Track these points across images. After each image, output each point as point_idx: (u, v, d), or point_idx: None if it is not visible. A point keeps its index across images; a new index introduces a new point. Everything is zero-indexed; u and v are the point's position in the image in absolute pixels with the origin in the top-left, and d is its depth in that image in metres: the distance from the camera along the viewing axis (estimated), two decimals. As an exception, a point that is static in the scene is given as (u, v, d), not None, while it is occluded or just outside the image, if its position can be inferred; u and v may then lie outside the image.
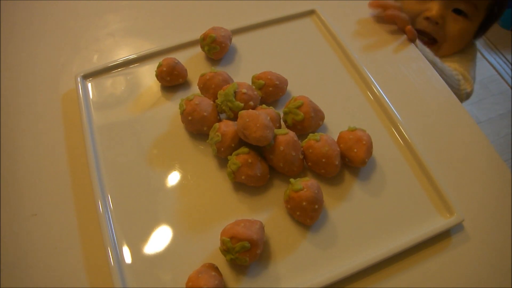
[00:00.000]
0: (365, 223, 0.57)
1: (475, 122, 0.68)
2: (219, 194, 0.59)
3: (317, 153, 0.57)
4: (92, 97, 0.69)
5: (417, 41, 0.82)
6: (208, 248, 0.54)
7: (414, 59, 0.76)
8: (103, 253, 0.53)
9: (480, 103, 1.85)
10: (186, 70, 0.70)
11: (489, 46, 2.04)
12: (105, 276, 0.52)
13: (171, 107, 0.68)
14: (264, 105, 0.63)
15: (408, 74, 0.73)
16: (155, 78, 0.69)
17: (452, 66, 1.00)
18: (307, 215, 0.54)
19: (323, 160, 0.57)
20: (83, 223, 0.58)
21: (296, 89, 0.69)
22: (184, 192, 0.59)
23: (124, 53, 0.76)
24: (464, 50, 1.06)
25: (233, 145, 0.58)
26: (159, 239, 0.55)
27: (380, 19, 0.81)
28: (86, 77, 0.71)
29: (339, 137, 0.60)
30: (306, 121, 0.61)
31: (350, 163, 0.59)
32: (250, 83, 0.67)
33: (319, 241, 0.55)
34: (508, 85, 1.90)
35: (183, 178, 0.60)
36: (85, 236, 0.57)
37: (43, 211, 0.59)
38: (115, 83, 0.71)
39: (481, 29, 1.04)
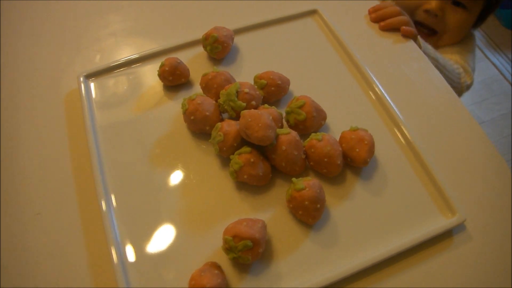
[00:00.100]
0: (367, 222, 0.57)
1: (477, 122, 0.68)
2: (222, 193, 0.59)
3: (319, 152, 0.57)
4: (95, 96, 0.69)
5: (420, 39, 0.82)
6: (211, 247, 0.55)
7: (416, 59, 0.76)
8: (107, 252, 0.53)
9: (482, 103, 1.85)
10: (188, 69, 0.70)
11: (491, 46, 2.03)
12: (109, 275, 0.53)
13: (174, 107, 0.68)
14: (266, 105, 0.63)
15: (410, 74, 0.73)
16: (158, 78, 0.70)
17: (453, 58, 1.01)
18: (309, 215, 0.54)
19: (325, 159, 0.57)
20: (86, 222, 0.58)
21: (298, 88, 0.69)
22: (186, 191, 0.59)
23: (126, 53, 0.76)
24: (463, 41, 1.07)
25: (235, 144, 0.58)
26: (162, 237, 0.56)
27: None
28: (88, 77, 0.71)
29: (341, 137, 0.61)
30: (308, 121, 0.61)
31: (352, 162, 0.60)
32: (252, 83, 0.67)
33: (321, 240, 0.55)
34: (511, 85, 1.90)
35: (186, 177, 0.61)
36: (89, 235, 0.57)
37: (46, 210, 0.59)
38: (118, 82, 0.71)
39: (480, 20, 1.05)
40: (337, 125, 0.65)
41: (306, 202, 0.53)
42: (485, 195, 0.61)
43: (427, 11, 0.99)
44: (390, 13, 0.80)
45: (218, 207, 0.58)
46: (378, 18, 0.81)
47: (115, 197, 0.59)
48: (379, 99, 0.67)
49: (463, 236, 0.57)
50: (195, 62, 0.73)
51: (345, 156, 0.60)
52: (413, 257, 0.55)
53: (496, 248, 0.56)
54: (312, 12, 0.81)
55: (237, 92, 0.62)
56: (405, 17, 0.80)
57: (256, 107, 0.63)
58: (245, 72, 0.72)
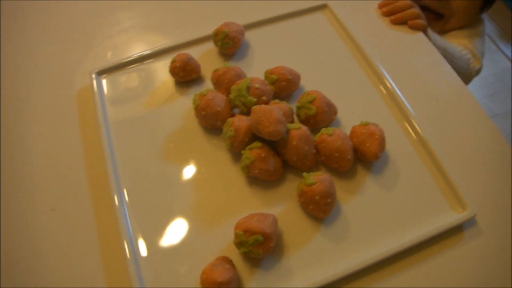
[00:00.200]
0: (377, 217, 0.57)
1: (489, 117, 0.67)
2: (233, 188, 0.60)
3: (330, 147, 0.57)
4: (107, 93, 0.70)
5: (429, 31, 0.81)
6: (222, 241, 0.55)
7: (427, 53, 0.76)
8: (119, 246, 0.54)
9: (495, 96, 1.83)
10: (199, 65, 0.70)
11: (504, 38, 2.01)
12: (122, 269, 0.53)
13: (185, 102, 0.68)
14: (277, 100, 0.63)
15: (421, 68, 0.73)
16: (169, 74, 0.70)
17: (461, 43, 1.01)
18: (320, 209, 0.54)
19: (336, 154, 0.57)
20: (99, 217, 0.59)
21: (308, 83, 0.69)
22: (198, 186, 0.60)
23: (137, 49, 0.77)
24: (472, 25, 1.07)
25: (246, 139, 0.59)
26: (174, 232, 0.56)
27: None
28: (100, 73, 0.72)
29: (351, 132, 0.61)
30: (319, 116, 0.61)
31: (362, 157, 0.60)
32: (263, 78, 0.67)
33: (332, 235, 0.55)
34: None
35: (197, 172, 0.61)
36: (102, 230, 0.58)
37: (60, 206, 0.60)
38: (129, 79, 0.72)
39: (487, 3, 1.04)
40: (348, 119, 0.65)
41: (317, 197, 0.53)
42: (496, 190, 0.60)
43: None
44: (401, 6, 0.80)
45: (230, 201, 0.58)
46: (389, 12, 0.80)
47: (127, 192, 0.59)
48: (390, 93, 0.67)
49: (473, 230, 0.56)
50: (206, 57, 0.74)
51: (356, 151, 0.60)
52: (424, 251, 0.55)
53: (507, 242, 0.56)
54: (322, 7, 0.81)
55: (248, 87, 0.62)
56: (416, 10, 0.80)
57: (267, 102, 0.63)
58: (255, 67, 0.72)
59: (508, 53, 1.96)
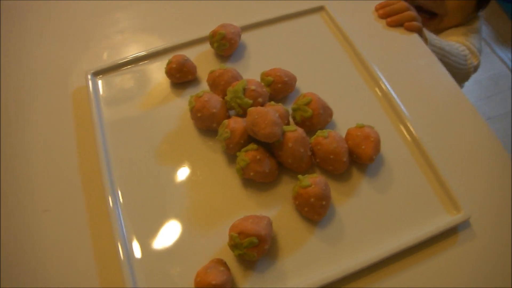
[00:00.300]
0: (372, 219, 0.57)
1: (483, 119, 0.67)
2: (228, 190, 0.60)
3: (325, 149, 0.57)
4: (102, 93, 0.70)
5: (425, 31, 0.82)
6: (217, 244, 0.55)
7: (422, 55, 0.76)
8: (113, 248, 0.54)
9: (490, 99, 1.83)
10: (195, 67, 0.70)
11: (499, 41, 2.02)
12: (115, 271, 0.53)
13: (181, 104, 0.68)
14: (273, 102, 0.63)
15: (417, 70, 0.73)
16: (165, 75, 0.70)
17: (458, 40, 1.01)
18: (315, 211, 0.54)
19: (331, 156, 0.57)
20: (93, 218, 0.59)
21: (304, 85, 0.70)
22: (193, 188, 0.60)
23: (133, 50, 0.77)
24: (468, 22, 1.07)
25: (242, 141, 0.59)
26: (168, 234, 0.56)
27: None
28: (96, 74, 0.72)
29: (347, 134, 0.61)
30: (315, 118, 0.61)
31: (358, 159, 0.60)
32: (259, 80, 0.67)
33: (327, 237, 0.55)
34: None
35: (192, 174, 0.61)
36: (96, 231, 0.57)
37: (54, 207, 0.60)
38: (125, 80, 0.72)
39: (482, 1, 1.05)
40: (343, 122, 0.65)
41: (312, 199, 0.53)
42: (490, 192, 0.61)
43: None
44: (397, 9, 0.80)
45: (224, 204, 0.58)
46: (386, 14, 0.81)
47: (121, 193, 0.59)
48: (385, 96, 0.67)
49: (468, 233, 0.57)
50: (202, 59, 0.74)
51: (351, 153, 0.60)
52: (418, 253, 0.55)
53: (500, 245, 0.56)
54: (319, 9, 0.81)
55: (244, 89, 0.62)
56: (413, 12, 0.80)
57: (262, 104, 0.63)
58: (252, 69, 0.72)
59: (503, 56, 1.97)
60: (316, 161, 0.60)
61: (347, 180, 0.60)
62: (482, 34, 1.09)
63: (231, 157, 0.62)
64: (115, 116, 0.67)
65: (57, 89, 0.73)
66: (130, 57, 0.73)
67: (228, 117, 0.63)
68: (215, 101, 0.62)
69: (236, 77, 0.66)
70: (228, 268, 0.52)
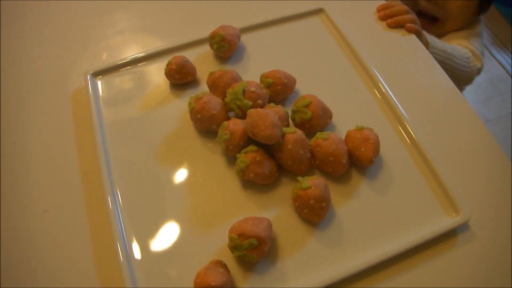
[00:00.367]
0: (371, 221, 0.57)
1: (482, 121, 0.68)
2: (228, 191, 0.60)
3: (324, 151, 0.57)
4: (102, 94, 0.70)
5: (426, 34, 0.82)
6: (216, 245, 0.55)
7: (422, 58, 0.76)
8: (113, 249, 0.54)
9: (488, 101, 1.84)
10: (195, 68, 0.70)
11: (497, 45, 2.02)
12: (114, 272, 0.53)
13: (180, 105, 0.68)
14: (272, 104, 0.63)
15: (416, 73, 0.73)
16: (165, 76, 0.70)
17: (461, 43, 1.01)
18: (314, 213, 0.54)
19: (331, 158, 0.57)
20: (93, 219, 0.58)
21: (304, 87, 0.70)
22: (193, 189, 0.60)
23: (133, 51, 0.77)
24: (470, 26, 1.08)
25: (241, 143, 0.59)
26: (168, 235, 0.56)
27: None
28: (95, 74, 0.72)
29: (346, 136, 0.61)
30: (314, 120, 0.61)
31: (357, 162, 0.60)
32: (259, 82, 0.67)
33: (326, 239, 0.55)
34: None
35: (192, 175, 0.61)
36: (95, 232, 0.57)
37: (53, 208, 0.60)
38: (125, 80, 0.72)
39: (483, 5, 1.06)
40: (343, 124, 0.66)
41: (312, 201, 0.53)
42: (489, 194, 0.61)
43: (428, 0, 1.00)
44: (397, 11, 0.80)
45: (224, 205, 0.58)
46: (386, 16, 0.81)
47: (121, 194, 0.59)
48: (385, 98, 0.68)
49: (467, 235, 0.57)
50: (202, 60, 0.74)
51: (351, 155, 0.60)
52: (418, 255, 0.55)
53: (499, 247, 0.56)
54: (319, 11, 0.81)
55: (243, 91, 0.62)
56: (412, 15, 0.81)
57: (262, 106, 0.63)
58: (251, 70, 0.72)
59: (501, 59, 1.97)
60: (316, 163, 0.60)
61: (347, 182, 0.60)
62: (483, 37, 1.09)
63: (231, 159, 0.62)
64: (114, 117, 0.67)
65: (57, 89, 0.73)
66: (129, 58, 0.73)
67: (228, 118, 0.63)
68: (215, 102, 0.62)
69: (236, 79, 0.66)
70: (227, 270, 0.52)
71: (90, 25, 0.83)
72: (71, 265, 0.55)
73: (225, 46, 0.71)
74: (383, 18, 0.81)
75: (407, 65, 0.74)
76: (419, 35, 0.80)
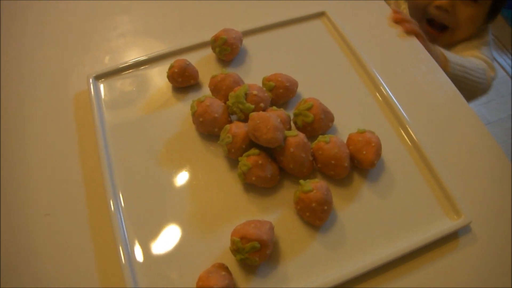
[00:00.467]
0: (373, 224, 0.57)
1: (483, 124, 0.68)
2: (230, 194, 0.60)
3: (326, 155, 0.57)
4: (104, 97, 0.70)
5: (443, 50, 0.82)
6: (219, 248, 0.55)
7: (423, 61, 0.76)
8: (114, 252, 0.54)
9: (489, 103, 1.84)
10: (197, 71, 0.70)
11: (498, 47, 2.03)
12: (117, 275, 0.53)
13: (183, 108, 0.68)
14: (274, 107, 0.63)
15: (417, 75, 0.73)
16: (167, 79, 0.70)
17: (472, 54, 1.01)
18: (316, 216, 0.55)
19: (333, 162, 0.57)
20: (95, 222, 0.59)
21: (306, 91, 0.70)
22: (195, 192, 0.60)
23: (135, 54, 0.77)
24: (479, 34, 1.08)
25: (243, 146, 0.59)
26: (170, 238, 0.56)
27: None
28: (98, 78, 0.72)
29: (348, 139, 0.61)
30: (316, 123, 0.61)
31: (359, 165, 0.60)
32: (261, 85, 0.67)
33: (328, 242, 0.56)
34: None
35: (194, 178, 0.61)
36: (97, 235, 0.58)
37: (56, 211, 0.60)
38: (127, 84, 0.72)
39: (492, 13, 1.05)
40: (345, 127, 0.66)
41: (314, 204, 0.53)
42: (490, 197, 0.61)
43: (438, 7, 1.00)
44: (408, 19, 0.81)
45: (226, 208, 0.59)
46: (399, 19, 0.81)
47: (123, 197, 0.59)
48: (386, 101, 0.68)
49: (468, 238, 0.57)
50: (204, 64, 0.74)
51: (352, 158, 0.60)
52: (419, 258, 0.55)
53: (501, 249, 0.56)
54: (320, 14, 0.81)
55: (245, 94, 0.62)
56: (420, 31, 0.81)
57: (264, 109, 0.63)
58: (253, 74, 0.73)
59: (502, 62, 1.97)
60: (318, 166, 0.60)
61: (349, 185, 0.60)
62: (491, 46, 1.09)
63: (233, 162, 0.62)
64: (117, 120, 0.67)
65: (59, 92, 0.73)
66: (131, 61, 0.74)
67: (230, 122, 0.64)
68: (217, 106, 0.62)
69: (238, 82, 0.66)
70: (230, 273, 0.52)
71: (92, 28, 0.83)
72: (73, 267, 0.55)
73: (227, 50, 0.71)
74: (395, 20, 0.81)
75: (408, 68, 0.74)
76: (430, 50, 0.79)
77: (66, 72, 0.76)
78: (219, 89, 0.65)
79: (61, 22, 0.85)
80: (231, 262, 0.54)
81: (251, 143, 0.59)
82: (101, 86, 0.71)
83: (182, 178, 0.61)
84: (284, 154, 0.57)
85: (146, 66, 0.74)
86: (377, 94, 0.69)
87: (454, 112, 0.69)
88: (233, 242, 0.51)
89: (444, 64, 0.88)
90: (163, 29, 0.82)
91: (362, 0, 0.86)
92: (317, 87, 0.70)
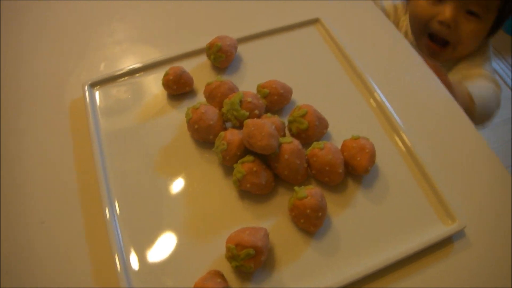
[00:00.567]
0: (368, 230, 0.57)
1: (477, 129, 0.68)
2: (225, 201, 0.60)
3: (321, 161, 0.58)
4: (100, 104, 0.70)
5: (464, 86, 0.83)
6: (214, 255, 0.55)
7: (417, 67, 0.77)
8: (110, 260, 0.54)
9: (484, 108, 1.84)
10: (192, 78, 0.70)
11: (494, 53, 2.04)
12: (112, 282, 0.53)
13: (178, 116, 0.69)
14: (269, 114, 0.64)
15: (411, 82, 0.74)
16: (162, 87, 0.70)
17: (476, 73, 1.02)
18: (311, 223, 0.55)
19: (327, 168, 0.58)
20: (90, 230, 0.59)
21: (300, 97, 0.70)
22: (190, 200, 0.60)
23: (130, 61, 0.77)
24: (480, 50, 1.07)
25: (238, 153, 0.59)
26: (166, 245, 0.56)
27: (384, 28, 0.82)
28: (93, 85, 0.72)
29: (342, 146, 0.61)
30: (311, 130, 0.62)
31: (353, 171, 0.60)
32: (255, 92, 0.67)
33: (323, 248, 0.56)
34: (511, 90, 1.90)
35: (189, 185, 0.61)
36: (92, 243, 0.57)
37: (51, 219, 0.60)
38: (122, 91, 0.72)
39: (493, 29, 1.04)
40: (339, 133, 0.66)
41: (308, 211, 0.54)
42: (485, 202, 0.61)
43: (441, 23, 0.99)
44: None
45: (221, 215, 0.59)
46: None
47: (119, 205, 0.59)
48: (381, 107, 0.68)
49: (463, 242, 0.57)
50: (199, 71, 0.74)
51: (347, 165, 0.60)
52: (414, 264, 0.55)
53: (496, 254, 0.57)
54: (314, 21, 0.82)
55: (240, 101, 0.62)
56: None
57: (259, 116, 0.63)
58: (248, 81, 0.73)
59: (496, 66, 1.98)
60: (312, 173, 0.60)
61: (343, 192, 0.61)
62: (492, 60, 1.09)
63: (228, 169, 0.62)
64: (112, 128, 0.67)
65: (54, 100, 0.73)
66: (127, 69, 0.74)
67: (225, 129, 0.64)
68: (212, 113, 0.62)
69: (233, 89, 0.66)
70: (225, 280, 0.52)
71: (88, 35, 0.83)
72: (68, 275, 0.55)
73: (222, 57, 0.71)
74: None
75: (403, 74, 0.75)
76: (454, 94, 0.77)
77: (61, 79, 0.76)
78: (214, 96, 0.66)
79: (56, 30, 0.85)
80: (226, 269, 0.54)
81: (245, 150, 0.59)
82: (97, 94, 0.71)
83: (177, 185, 0.61)
84: (279, 161, 0.57)
85: (141, 73, 0.74)
86: (371, 100, 0.70)
87: (447, 118, 0.70)
88: (228, 249, 0.52)
89: (470, 105, 0.89)
90: (158, 37, 0.83)
91: (356, 7, 0.86)
92: (311, 94, 0.71)
